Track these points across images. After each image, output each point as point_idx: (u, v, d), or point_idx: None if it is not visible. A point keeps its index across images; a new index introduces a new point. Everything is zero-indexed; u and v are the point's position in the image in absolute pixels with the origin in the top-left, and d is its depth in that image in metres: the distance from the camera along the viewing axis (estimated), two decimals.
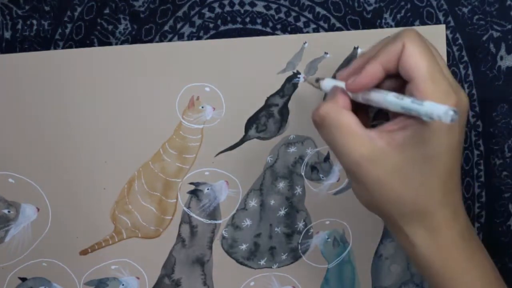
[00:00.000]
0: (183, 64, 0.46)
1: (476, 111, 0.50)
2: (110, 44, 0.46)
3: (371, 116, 0.42)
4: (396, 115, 0.37)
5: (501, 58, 0.49)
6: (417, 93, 0.35)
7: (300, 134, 0.48)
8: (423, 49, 0.35)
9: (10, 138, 0.45)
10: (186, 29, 0.46)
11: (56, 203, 0.46)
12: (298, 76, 0.46)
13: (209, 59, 0.46)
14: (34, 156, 0.46)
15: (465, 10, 0.48)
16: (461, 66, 0.49)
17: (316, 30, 0.47)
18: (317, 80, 0.43)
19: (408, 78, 0.35)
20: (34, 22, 0.45)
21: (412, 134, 0.35)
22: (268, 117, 0.47)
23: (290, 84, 0.47)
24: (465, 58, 0.49)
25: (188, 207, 0.48)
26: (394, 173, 0.36)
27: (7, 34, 0.45)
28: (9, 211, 0.46)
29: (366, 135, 0.36)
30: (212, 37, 0.46)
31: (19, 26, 0.45)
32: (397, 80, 0.37)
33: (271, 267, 0.50)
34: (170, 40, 0.46)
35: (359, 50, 0.47)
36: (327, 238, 0.50)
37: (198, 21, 0.46)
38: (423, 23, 0.48)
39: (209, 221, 0.48)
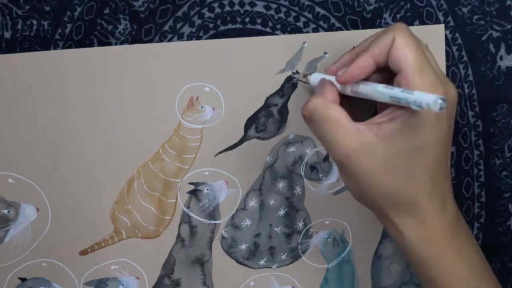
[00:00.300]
0: (183, 64, 0.46)
1: (476, 111, 0.50)
2: (110, 44, 0.46)
3: (365, 111, 0.43)
4: (384, 107, 0.37)
5: (501, 58, 0.49)
6: (405, 84, 0.35)
7: (300, 134, 0.48)
8: (412, 42, 0.36)
9: (10, 138, 0.45)
10: (186, 29, 0.46)
11: (55, 203, 0.46)
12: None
13: (208, 59, 0.46)
14: (34, 156, 0.46)
15: (464, 10, 0.48)
16: (461, 66, 0.49)
17: (315, 30, 0.47)
18: (305, 76, 0.43)
19: (396, 69, 0.36)
20: (34, 22, 0.45)
21: (400, 126, 0.35)
22: (268, 117, 0.47)
23: (290, 84, 0.47)
24: (465, 58, 0.49)
25: (188, 207, 0.48)
26: (383, 165, 0.36)
27: (7, 34, 0.45)
28: (8, 211, 0.46)
29: (355, 128, 0.36)
30: (212, 37, 0.47)
31: (19, 26, 0.45)
32: (385, 74, 0.38)
33: (271, 267, 0.50)
34: (169, 40, 0.46)
35: None
36: (327, 238, 0.50)
37: (198, 21, 0.46)
38: (422, 23, 0.48)
39: (209, 221, 0.48)
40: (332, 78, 0.40)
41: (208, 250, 0.49)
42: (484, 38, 0.48)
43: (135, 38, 0.46)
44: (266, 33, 0.47)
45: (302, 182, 0.49)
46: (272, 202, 0.49)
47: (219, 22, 0.47)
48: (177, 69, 0.46)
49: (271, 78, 0.47)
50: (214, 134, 0.47)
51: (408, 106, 0.34)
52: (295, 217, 0.49)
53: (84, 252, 0.47)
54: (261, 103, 0.47)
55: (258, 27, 0.47)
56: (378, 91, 0.36)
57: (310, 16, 0.47)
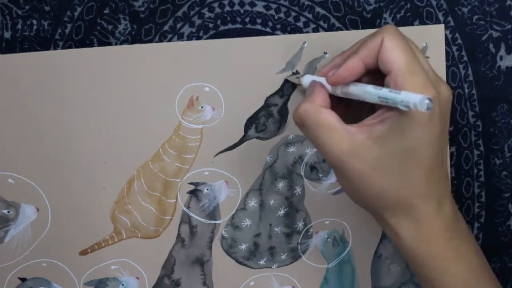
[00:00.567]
0: (183, 64, 0.46)
1: (476, 111, 0.50)
2: (110, 44, 0.46)
3: (364, 112, 0.43)
4: (375, 109, 0.37)
5: (501, 58, 0.49)
6: (394, 85, 0.35)
7: (300, 134, 0.48)
8: (401, 43, 0.36)
9: (10, 138, 0.45)
10: (186, 29, 0.46)
11: (55, 203, 0.46)
12: (297, 76, 0.46)
13: (208, 59, 0.46)
14: (33, 156, 0.46)
15: (464, 10, 0.48)
16: (461, 66, 0.49)
17: (315, 30, 0.47)
18: (297, 76, 0.44)
19: (386, 71, 0.36)
20: (34, 22, 0.45)
21: (391, 127, 0.35)
22: (268, 117, 0.47)
23: (290, 84, 0.47)
24: (465, 58, 0.49)
25: (188, 207, 0.48)
26: (376, 167, 0.36)
27: (7, 34, 0.45)
28: (8, 211, 0.46)
29: (345, 130, 0.37)
30: (212, 37, 0.47)
31: (19, 26, 0.45)
32: (376, 77, 0.38)
33: (271, 267, 0.50)
34: (169, 40, 0.46)
35: None
36: (327, 238, 0.50)
37: (197, 21, 0.46)
38: (422, 23, 0.48)
39: (209, 221, 0.48)
40: (323, 80, 0.40)
41: (208, 250, 0.49)
42: (484, 38, 0.48)
43: (135, 38, 0.46)
44: (266, 33, 0.47)
45: (302, 182, 0.49)
46: (272, 202, 0.49)
47: (219, 22, 0.47)
48: (177, 69, 0.46)
49: (271, 78, 0.47)
50: (214, 134, 0.47)
51: (396, 107, 0.34)
52: (295, 217, 0.49)
53: (84, 252, 0.47)
54: (261, 103, 0.47)
55: (258, 27, 0.47)
56: (367, 91, 0.36)
57: (310, 16, 0.47)
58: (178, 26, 0.46)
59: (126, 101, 0.46)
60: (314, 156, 0.49)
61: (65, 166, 0.46)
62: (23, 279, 0.47)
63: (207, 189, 0.48)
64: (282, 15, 0.47)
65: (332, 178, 0.49)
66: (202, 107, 0.46)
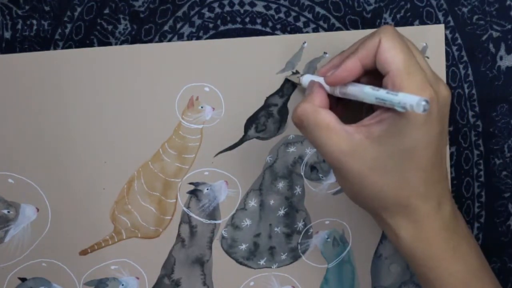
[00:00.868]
0: (183, 64, 0.46)
1: (476, 111, 0.50)
2: (110, 44, 0.46)
3: (364, 112, 0.43)
4: (374, 109, 0.37)
5: (501, 58, 0.49)
6: (392, 85, 0.35)
7: (300, 134, 0.48)
8: (399, 43, 0.36)
9: (10, 138, 0.45)
10: (186, 29, 0.46)
11: (55, 204, 0.46)
12: (297, 76, 0.46)
13: (208, 59, 0.46)
14: (34, 156, 0.46)
15: (464, 10, 0.48)
16: (461, 66, 0.49)
17: (315, 30, 0.47)
18: (296, 76, 0.44)
19: (384, 72, 0.36)
20: (34, 22, 0.45)
21: (388, 128, 0.35)
22: (268, 117, 0.47)
23: (290, 84, 0.47)
24: (465, 58, 0.49)
25: (188, 207, 0.48)
26: (374, 167, 0.36)
27: (7, 34, 0.45)
28: (8, 211, 0.46)
29: (344, 130, 0.37)
30: (212, 37, 0.47)
31: (19, 26, 0.45)
32: (375, 77, 0.38)
33: (271, 267, 0.50)
34: (169, 40, 0.46)
35: None
36: (327, 238, 0.50)
37: (197, 21, 0.46)
38: (422, 23, 0.48)
39: (209, 221, 0.48)
40: (322, 80, 0.40)
41: (208, 250, 0.49)
42: (484, 38, 0.48)
43: (135, 38, 0.46)
44: (266, 33, 0.47)
45: (302, 182, 0.49)
46: (272, 202, 0.49)
47: (219, 22, 0.47)
48: (177, 69, 0.46)
49: (271, 78, 0.47)
50: (214, 134, 0.47)
51: (393, 108, 0.34)
52: (295, 217, 0.49)
53: (84, 252, 0.47)
54: (261, 103, 0.47)
55: (258, 27, 0.47)
56: (365, 92, 0.36)
57: (310, 16, 0.47)
58: (178, 26, 0.46)
59: (126, 101, 0.46)
60: (314, 156, 0.49)
61: (65, 166, 0.46)
62: (23, 279, 0.47)
63: (207, 189, 0.48)
64: (282, 15, 0.47)
65: (332, 178, 0.49)
66: (202, 107, 0.46)
